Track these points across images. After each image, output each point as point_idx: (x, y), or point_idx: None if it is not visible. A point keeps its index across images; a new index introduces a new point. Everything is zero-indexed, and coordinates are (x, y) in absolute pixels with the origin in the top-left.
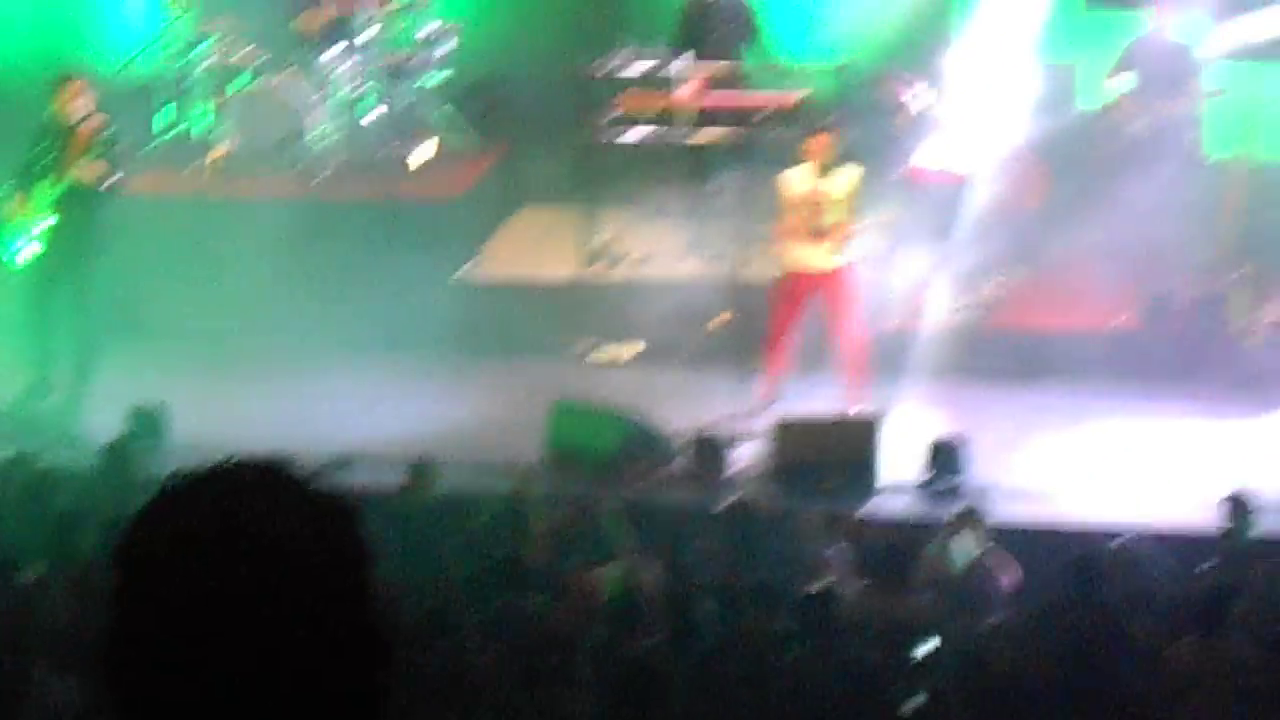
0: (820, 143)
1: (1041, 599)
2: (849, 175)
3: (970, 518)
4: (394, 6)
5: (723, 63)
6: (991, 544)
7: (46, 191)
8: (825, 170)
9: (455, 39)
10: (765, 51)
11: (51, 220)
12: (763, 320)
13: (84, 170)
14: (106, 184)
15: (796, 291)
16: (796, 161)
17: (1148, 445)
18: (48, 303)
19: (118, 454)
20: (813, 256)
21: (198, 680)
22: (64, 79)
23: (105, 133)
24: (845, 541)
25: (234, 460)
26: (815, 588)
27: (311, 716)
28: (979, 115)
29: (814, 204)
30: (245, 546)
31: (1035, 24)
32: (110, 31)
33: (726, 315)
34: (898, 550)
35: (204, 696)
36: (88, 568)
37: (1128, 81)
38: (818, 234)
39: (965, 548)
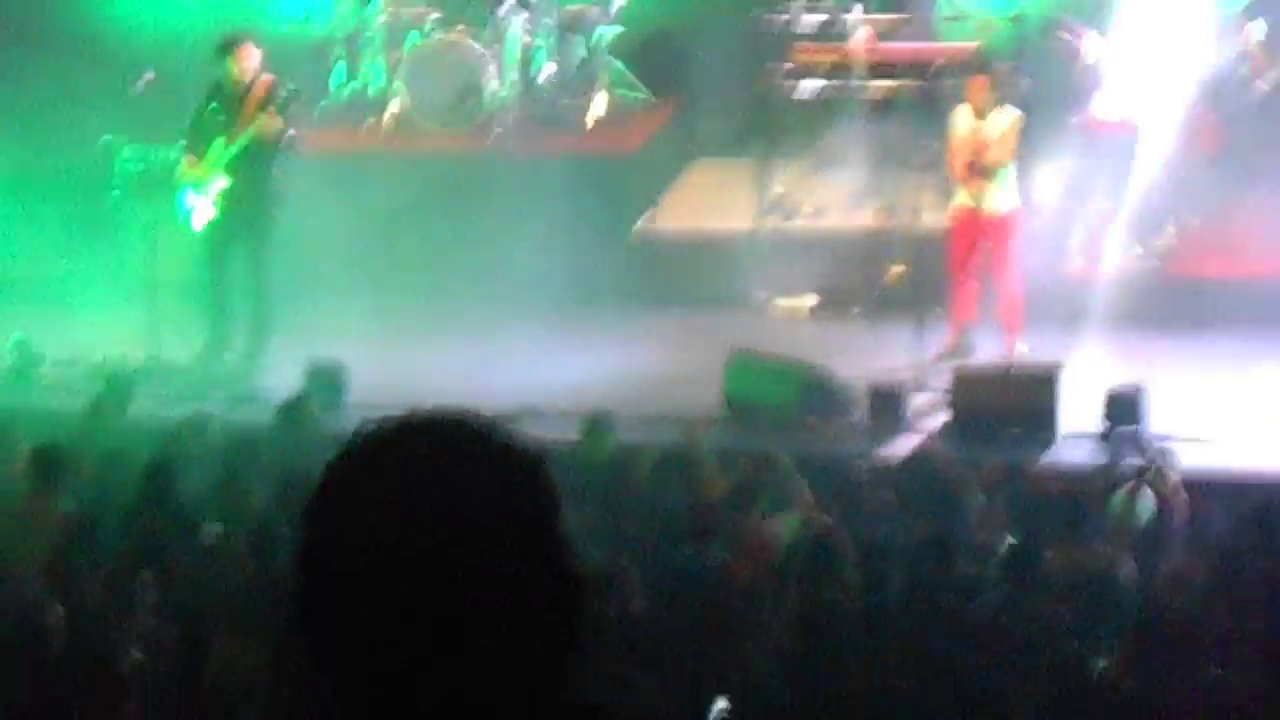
0: (977, 84)
1: (1221, 547)
2: (1007, 117)
3: (1154, 470)
4: None
5: (894, 15)
6: (1175, 495)
7: (220, 152)
8: (983, 113)
9: None
10: (939, 2)
11: (225, 181)
12: (937, 272)
13: (259, 128)
14: (281, 143)
15: (963, 233)
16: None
17: None
18: (224, 262)
19: (294, 412)
20: (976, 198)
21: (397, 629)
22: (235, 40)
23: (279, 91)
24: (1026, 492)
25: (421, 413)
26: (997, 541)
27: (510, 659)
28: (1153, 64)
29: (974, 145)
30: (439, 497)
31: None
32: None
33: (901, 267)
34: (1080, 501)
35: (404, 646)
36: (265, 527)
37: (1259, 29)
38: (979, 175)
39: (1148, 499)
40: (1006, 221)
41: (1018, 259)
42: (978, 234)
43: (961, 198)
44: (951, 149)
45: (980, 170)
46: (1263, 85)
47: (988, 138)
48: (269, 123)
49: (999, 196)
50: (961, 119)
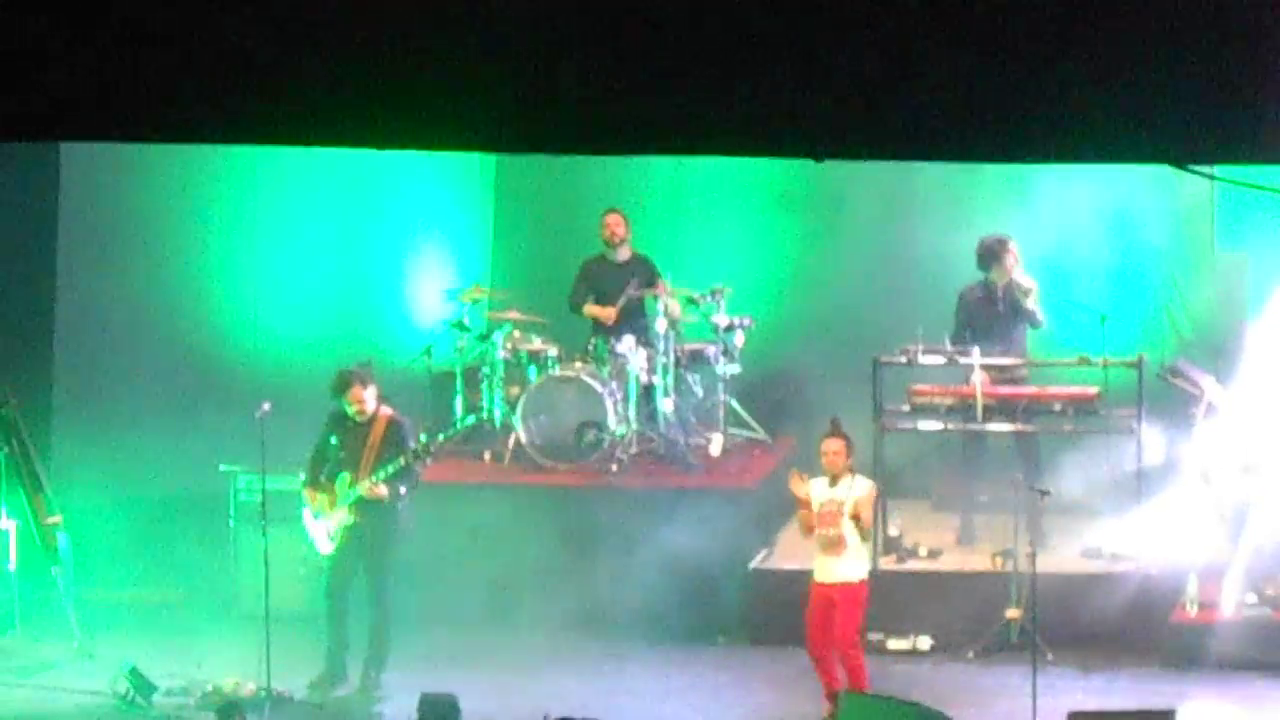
0: (830, 447)
1: None
2: (860, 487)
3: None
4: (687, 297)
5: (1013, 357)
6: None
7: (345, 489)
8: (836, 480)
9: (747, 332)
10: (1055, 343)
11: (349, 517)
12: (1053, 615)
13: (376, 489)
14: (402, 496)
15: (814, 601)
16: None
17: None
18: (344, 594)
19: None
20: (825, 568)
21: None
22: (349, 380)
23: (403, 434)
24: None
25: None
26: None
27: None
28: (1272, 413)
29: (827, 515)
30: None
31: None
32: (403, 321)
33: (1017, 610)
34: None
35: None
36: None
37: None
38: (828, 545)
39: None
40: (848, 592)
41: (858, 629)
42: (828, 605)
43: (817, 565)
44: (813, 514)
45: (829, 541)
46: None
47: (834, 507)
48: (381, 485)
49: (843, 567)
50: (817, 485)
